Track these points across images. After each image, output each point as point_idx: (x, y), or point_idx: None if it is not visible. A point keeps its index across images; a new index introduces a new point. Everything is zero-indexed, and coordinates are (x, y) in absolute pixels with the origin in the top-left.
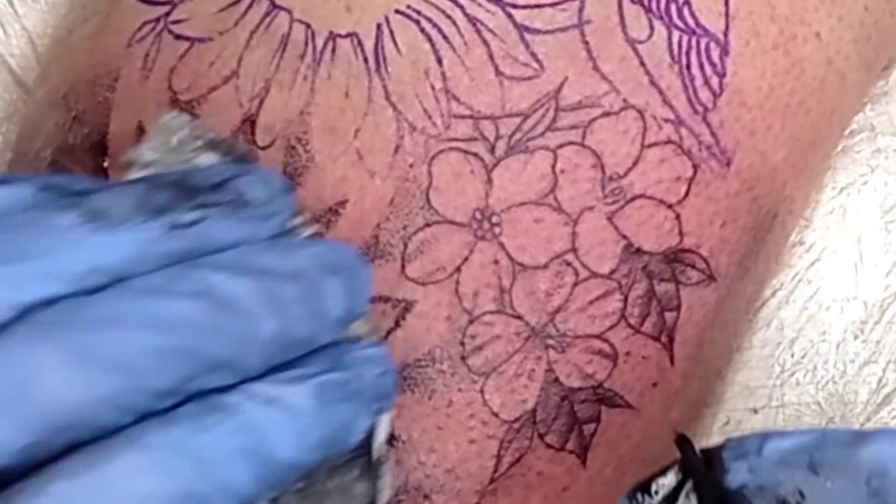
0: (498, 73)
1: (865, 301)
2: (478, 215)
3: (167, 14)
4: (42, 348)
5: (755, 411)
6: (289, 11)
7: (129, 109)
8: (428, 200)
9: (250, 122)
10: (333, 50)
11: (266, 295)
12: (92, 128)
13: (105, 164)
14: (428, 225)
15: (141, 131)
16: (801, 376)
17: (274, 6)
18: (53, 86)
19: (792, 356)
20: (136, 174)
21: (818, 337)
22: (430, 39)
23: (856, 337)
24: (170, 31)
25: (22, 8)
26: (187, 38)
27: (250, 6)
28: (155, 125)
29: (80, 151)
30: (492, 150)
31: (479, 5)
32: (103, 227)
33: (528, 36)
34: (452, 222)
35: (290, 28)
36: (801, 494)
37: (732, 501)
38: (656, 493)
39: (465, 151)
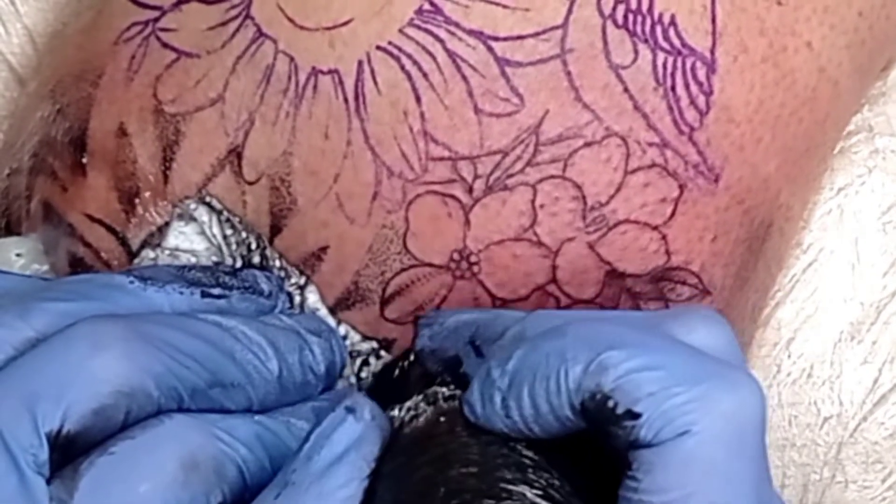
0: (477, 110)
1: (862, 302)
2: (455, 256)
3: (156, 19)
4: (109, 324)
5: None
6: (274, 41)
7: (111, 108)
8: (405, 246)
9: (236, 153)
10: (315, 87)
11: (268, 340)
12: (73, 122)
13: (84, 160)
14: (405, 269)
15: (123, 133)
16: (797, 376)
17: (260, 33)
18: (44, 78)
19: (789, 356)
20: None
21: (815, 337)
22: (409, 77)
23: (852, 337)
24: (157, 38)
25: (23, 6)
26: (175, 49)
27: (238, 30)
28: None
29: (60, 145)
30: (469, 190)
31: (460, 40)
32: (153, 285)
33: (508, 70)
34: (430, 265)
35: (275, 59)
36: (459, 360)
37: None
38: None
39: (443, 194)
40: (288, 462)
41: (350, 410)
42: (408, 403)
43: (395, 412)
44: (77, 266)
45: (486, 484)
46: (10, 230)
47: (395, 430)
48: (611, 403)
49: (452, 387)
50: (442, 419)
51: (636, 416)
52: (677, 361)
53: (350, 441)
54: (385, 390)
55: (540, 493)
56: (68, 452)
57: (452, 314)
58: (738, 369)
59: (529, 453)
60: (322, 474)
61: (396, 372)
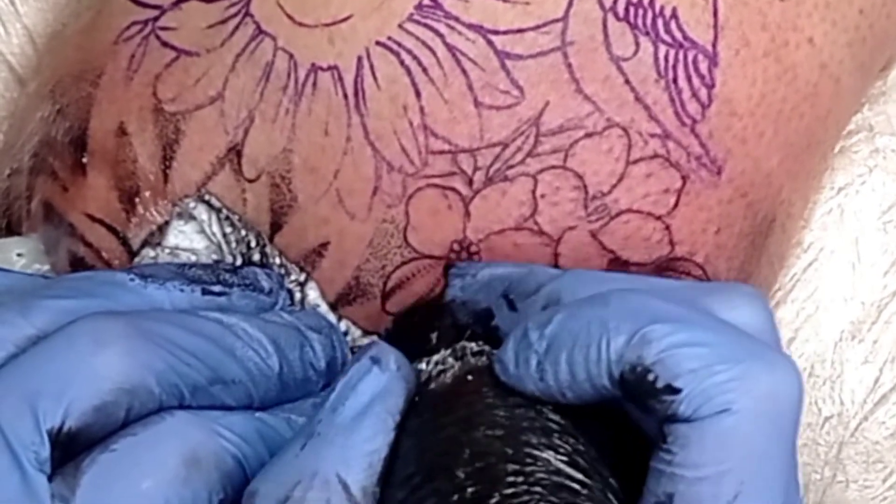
0: (477, 103)
1: (863, 301)
2: (455, 247)
3: (156, 18)
4: (111, 321)
5: None
6: (273, 38)
7: (111, 108)
8: (405, 239)
9: (236, 151)
10: (314, 83)
11: (269, 336)
12: (73, 122)
13: (84, 160)
14: (405, 262)
15: (123, 132)
16: None
17: (260, 31)
18: (44, 78)
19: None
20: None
21: (815, 337)
22: (409, 72)
23: (853, 337)
24: (157, 37)
25: (23, 7)
26: (174, 48)
27: (237, 28)
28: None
29: (60, 145)
30: (469, 182)
31: (460, 34)
32: (154, 283)
33: (508, 63)
34: (430, 256)
35: (274, 56)
36: (490, 313)
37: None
38: None
39: (443, 187)
40: (314, 413)
41: (375, 361)
42: (435, 357)
43: (423, 366)
44: (78, 266)
45: (511, 447)
46: (11, 230)
47: (421, 383)
48: (651, 377)
49: (481, 343)
50: (469, 377)
51: (676, 391)
52: (720, 339)
53: (375, 392)
54: (404, 335)
55: (565, 458)
56: (70, 450)
57: (484, 267)
58: (778, 351)
59: (556, 417)
60: (348, 427)
61: (416, 317)
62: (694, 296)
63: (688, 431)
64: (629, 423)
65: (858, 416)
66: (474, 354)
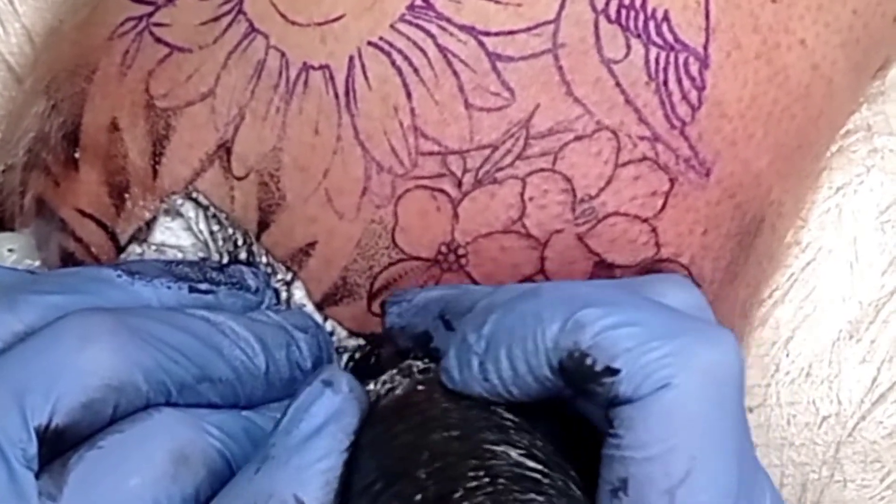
0: (467, 105)
1: (860, 301)
2: (443, 249)
3: (150, 14)
4: (98, 317)
5: (750, 410)
6: (266, 37)
7: (104, 103)
8: (393, 240)
9: (225, 148)
10: (306, 82)
11: (256, 335)
12: (67, 117)
13: (76, 155)
14: (393, 264)
15: (115, 128)
16: (795, 375)
17: (252, 29)
18: (40, 74)
19: (787, 355)
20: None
21: (813, 336)
22: (400, 73)
23: (851, 336)
24: (151, 33)
25: (21, 6)
26: (167, 45)
27: (230, 25)
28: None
29: (54, 140)
30: (458, 184)
31: (451, 35)
32: (141, 279)
33: (499, 64)
34: (418, 258)
35: (266, 55)
36: (429, 335)
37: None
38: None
39: (432, 188)
40: (266, 437)
41: (327, 384)
42: (383, 377)
43: (372, 386)
44: (68, 261)
45: (469, 446)
46: (4, 226)
47: (371, 403)
48: (589, 361)
49: (426, 360)
50: (420, 388)
51: (615, 371)
52: (653, 318)
53: (328, 413)
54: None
55: (524, 452)
56: (57, 446)
57: (420, 292)
58: (714, 325)
59: (510, 416)
60: (301, 447)
61: (372, 360)
62: (625, 286)
63: (631, 412)
64: (580, 424)
65: (856, 415)
66: (421, 371)
